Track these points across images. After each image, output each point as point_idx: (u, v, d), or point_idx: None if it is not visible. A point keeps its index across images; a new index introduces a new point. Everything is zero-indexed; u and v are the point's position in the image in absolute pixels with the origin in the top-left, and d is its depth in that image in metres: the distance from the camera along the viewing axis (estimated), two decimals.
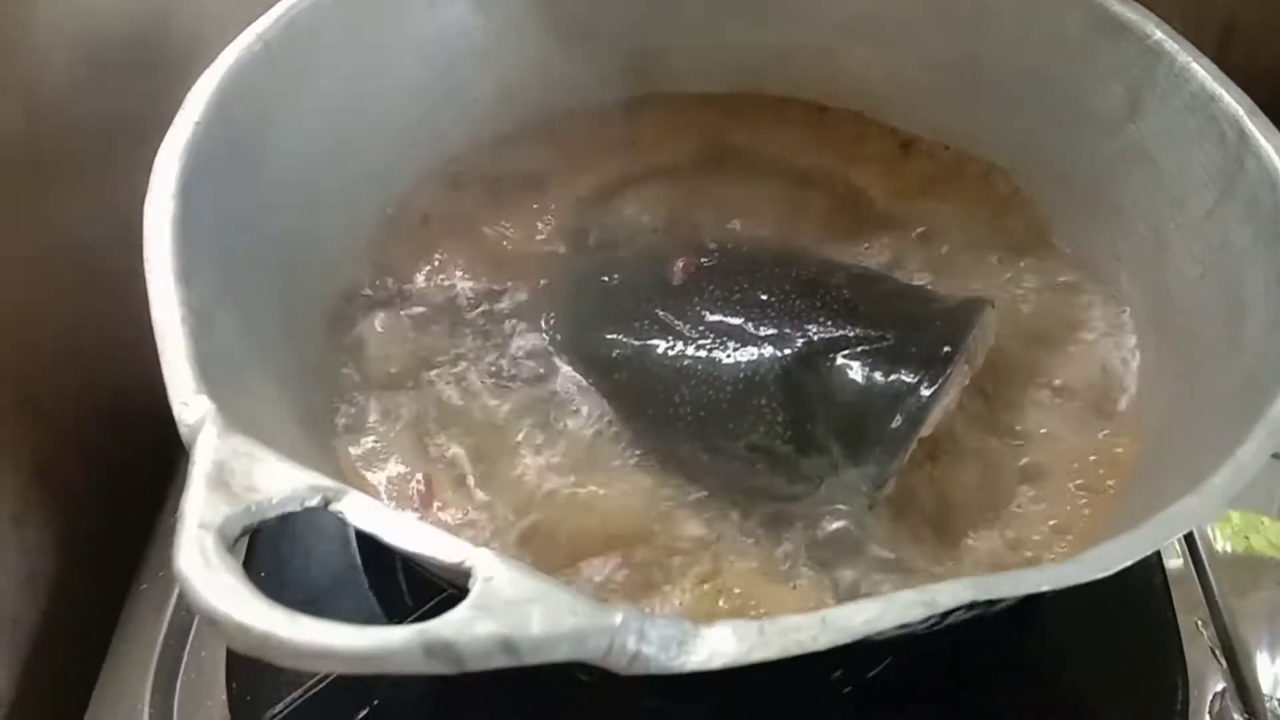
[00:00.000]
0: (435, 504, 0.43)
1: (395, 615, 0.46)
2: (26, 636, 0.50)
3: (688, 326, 0.44)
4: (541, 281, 0.51)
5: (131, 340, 0.51)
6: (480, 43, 0.53)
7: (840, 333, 0.43)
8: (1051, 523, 0.43)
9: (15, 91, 0.49)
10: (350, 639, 0.24)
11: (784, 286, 0.45)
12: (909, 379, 0.41)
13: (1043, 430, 0.46)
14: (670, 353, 0.44)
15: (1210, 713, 0.46)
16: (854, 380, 0.41)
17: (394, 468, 0.44)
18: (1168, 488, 0.35)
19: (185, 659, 0.48)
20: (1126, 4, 0.47)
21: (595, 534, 0.42)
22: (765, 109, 0.58)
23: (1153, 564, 0.49)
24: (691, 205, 0.53)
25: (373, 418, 0.46)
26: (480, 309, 0.50)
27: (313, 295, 0.47)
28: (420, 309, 0.49)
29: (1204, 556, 0.50)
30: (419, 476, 0.44)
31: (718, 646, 0.27)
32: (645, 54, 0.57)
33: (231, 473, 0.29)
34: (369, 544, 0.47)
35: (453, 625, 0.25)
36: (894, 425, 0.40)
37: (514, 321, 0.49)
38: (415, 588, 0.47)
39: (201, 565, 0.25)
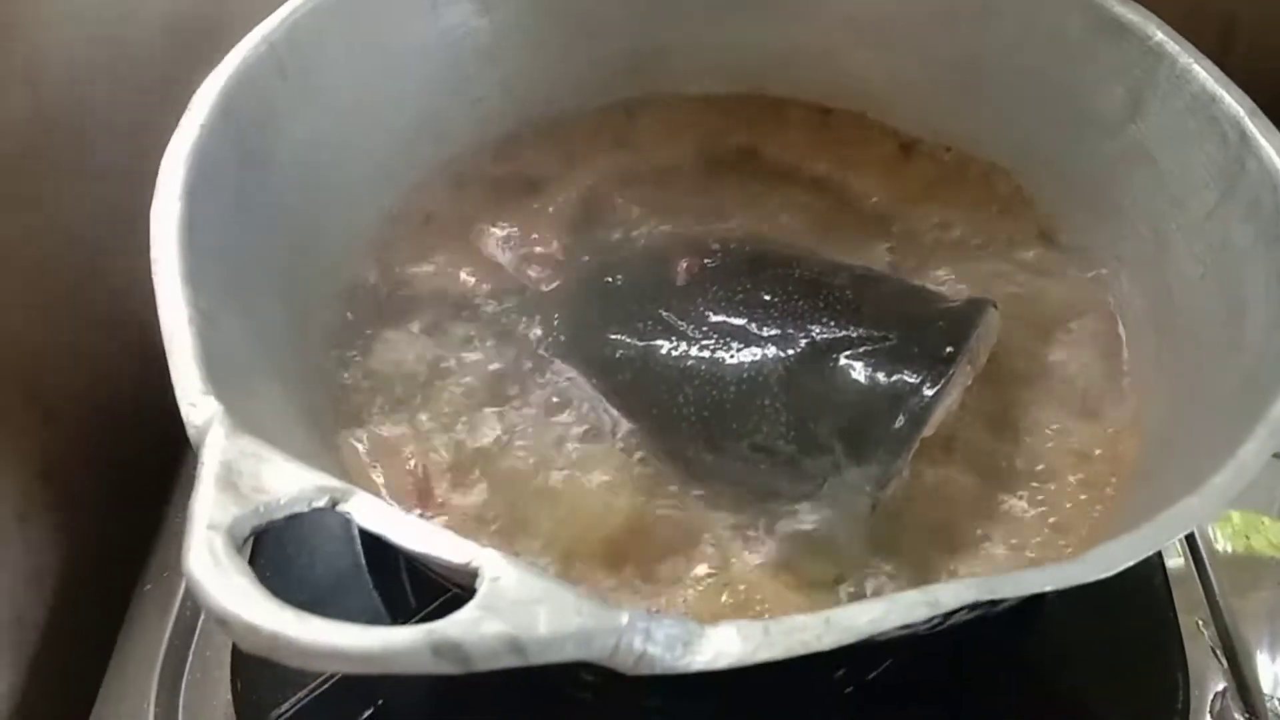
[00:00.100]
0: (436, 501, 0.44)
1: (399, 614, 0.47)
2: (32, 635, 0.50)
3: (691, 327, 0.44)
4: (544, 281, 0.51)
5: (137, 339, 0.51)
6: (484, 43, 0.53)
7: (843, 333, 0.43)
8: (1053, 522, 0.43)
9: (21, 91, 0.49)
10: (359, 639, 0.25)
11: (787, 287, 0.45)
12: (912, 379, 0.41)
13: (1044, 430, 0.46)
14: (674, 353, 0.44)
15: (1211, 712, 0.46)
16: (857, 380, 0.41)
17: (395, 465, 0.44)
18: (1169, 487, 0.35)
19: (190, 658, 0.48)
20: (1127, 5, 0.47)
21: (599, 532, 0.43)
22: (767, 110, 0.58)
23: (1153, 564, 0.49)
24: (694, 206, 0.53)
25: (375, 415, 0.46)
26: (482, 308, 0.50)
27: (317, 294, 0.47)
28: (423, 308, 0.49)
29: (1205, 556, 0.51)
30: (419, 473, 0.44)
31: (723, 646, 0.27)
32: (647, 54, 0.57)
33: (239, 473, 0.29)
34: (373, 543, 0.47)
35: (460, 625, 0.25)
36: (897, 425, 0.40)
37: (517, 321, 0.49)
38: (419, 587, 0.47)
39: (211, 566, 0.26)
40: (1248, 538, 0.51)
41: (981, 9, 0.51)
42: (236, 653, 0.47)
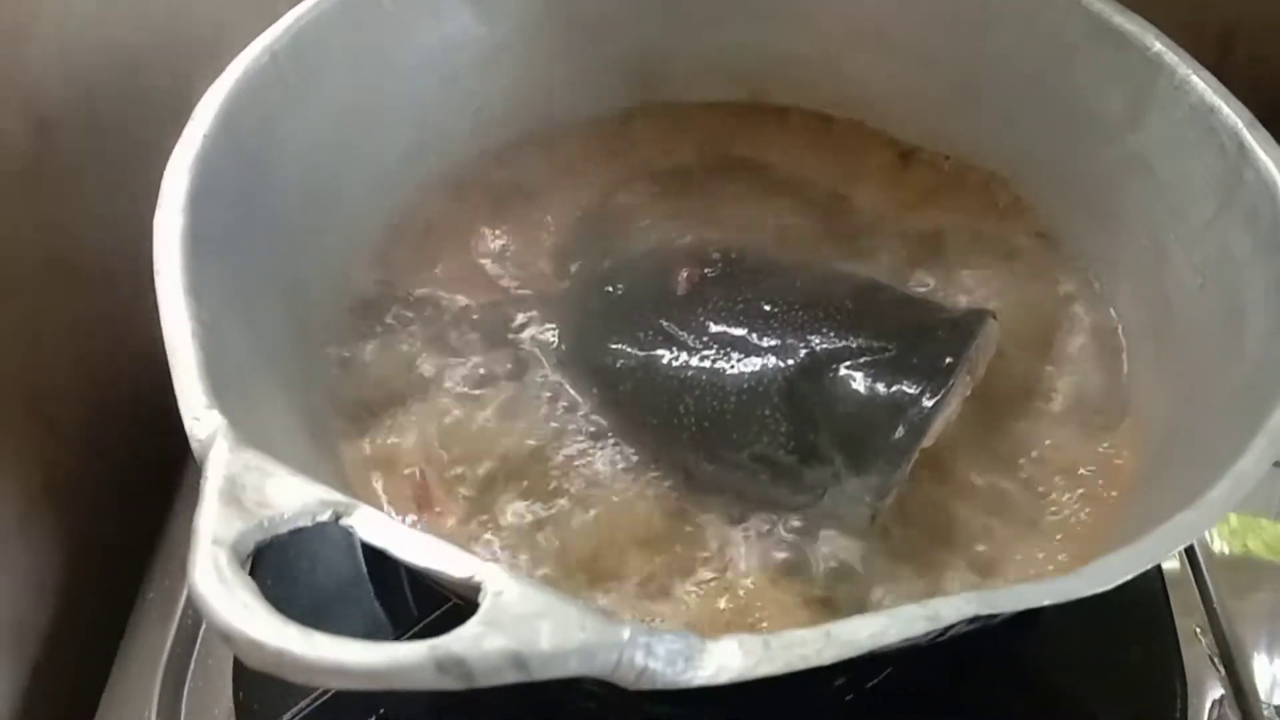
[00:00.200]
0: (436, 509, 0.44)
1: (401, 624, 0.47)
2: (34, 642, 0.51)
3: (691, 337, 0.45)
4: (544, 290, 0.51)
5: (139, 347, 0.51)
6: (485, 53, 0.53)
7: (843, 343, 0.43)
8: (1052, 532, 0.43)
9: (23, 101, 0.49)
10: (363, 655, 0.25)
11: (787, 297, 0.45)
12: (911, 390, 0.41)
13: (1044, 440, 0.46)
14: (674, 363, 0.44)
15: None
16: (856, 391, 0.42)
17: (396, 472, 0.45)
18: (1168, 497, 0.35)
19: (192, 666, 0.48)
20: (1127, 15, 0.47)
21: (599, 539, 0.43)
22: (767, 118, 0.58)
23: (1151, 572, 0.49)
24: (694, 214, 0.53)
25: (376, 423, 0.46)
26: (483, 317, 0.50)
27: (318, 303, 0.48)
28: (423, 317, 0.50)
29: (1202, 561, 0.51)
30: (420, 481, 0.44)
31: (724, 661, 0.27)
32: (648, 63, 0.57)
33: (243, 488, 0.29)
34: (375, 552, 0.47)
35: (464, 641, 0.25)
36: (896, 436, 0.40)
37: (517, 330, 0.49)
38: (421, 596, 0.48)
39: (216, 582, 0.26)
40: (1245, 540, 0.52)
41: (982, 18, 0.51)
42: (239, 661, 0.47)
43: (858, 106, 0.57)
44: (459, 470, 0.45)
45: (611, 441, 0.45)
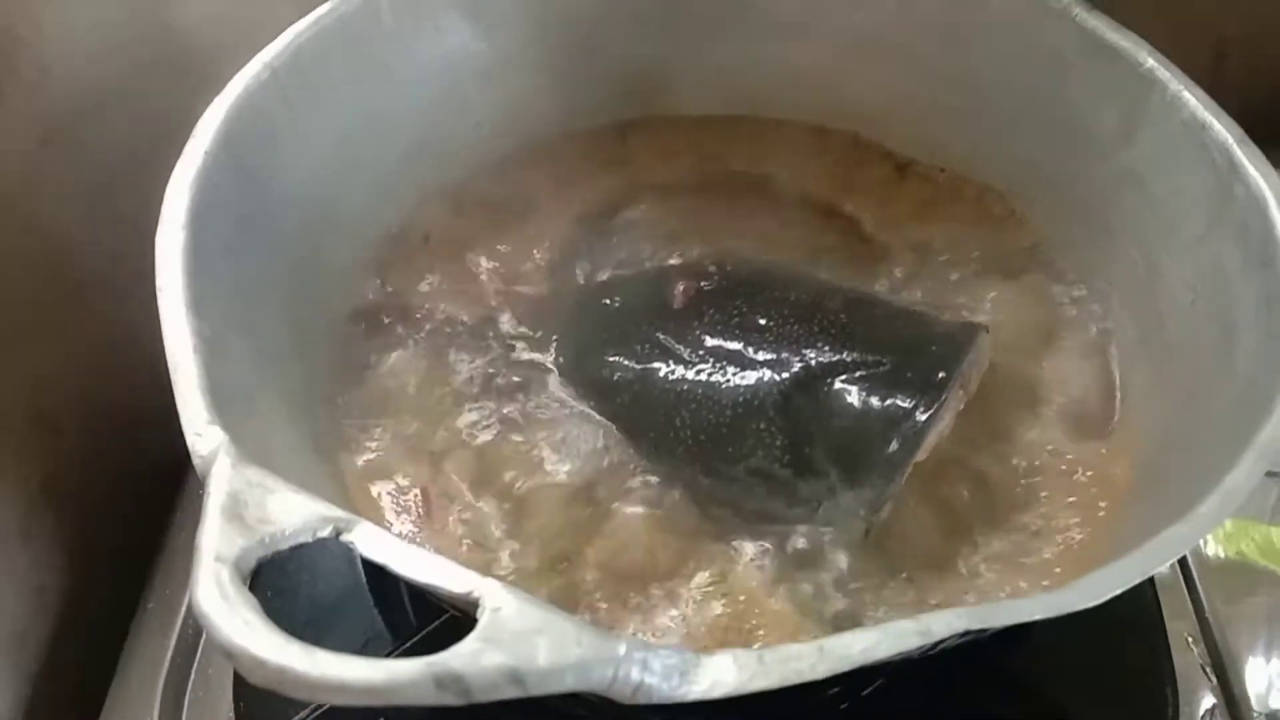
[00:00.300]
0: (436, 521, 0.44)
1: (401, 634, 0.47)
2: (36, 651, 0.51)
3: (688, 350, 0.45)
4: (542, 303, 0.51)
5: (140, 359, 0.51)
6: (484, 68, 0.53)
7: (837, 357, 0.43)
8: (1044, 545, 0.43)
9: (26, 116, 0.50)
10: (363, 672, 0.25)
11: (782, 311, 0.45)
12: (904, 404, 0.41)
13: (1036, 453, 0.46)
14: (670, 376, 0.45)
15: None
16: (850, 405, 0.42)
17: (397, 485, 0.45)
18: (1161, 510, 0.35)
19: (193, 677, 0.49)
20: (1120, 32, 0.47)
21: (597, 550, 0.43)
22: (764, 131, 0.58)
23: (1143, 582, 0.49)
24: (690, 227, 0.54)
25: (377, 436, 0.46)
26: (481, 329, 0.50)
27: (319, 316, 0.48)
28: (423, 329, 0.50)
29: (1193, 566, 0.51)
30: (420, 493, 0.45)
31: (719, 676, 0.27)
32: (645, 77, 0.58)
33: (245, 504, 0.29)
34: (374, 565, 0.48)
35: (462, 657, 0.26)
36: (890, 450, 0.41)
37: (515, 342, 0.50)
38: (421, 607, 0.48)
39: (219, 599, 0.26)
40: (1239, 545, 0.52)
41: (977, 33, 0.52)
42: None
43: (854, 120, 0.58)
44: (460, 483, 0.45)
45: (609, 453, 0.45)
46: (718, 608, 0.42)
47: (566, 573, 0.43)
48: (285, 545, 0.29)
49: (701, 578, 0.43)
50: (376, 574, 0.49)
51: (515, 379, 0.48)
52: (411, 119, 0.52)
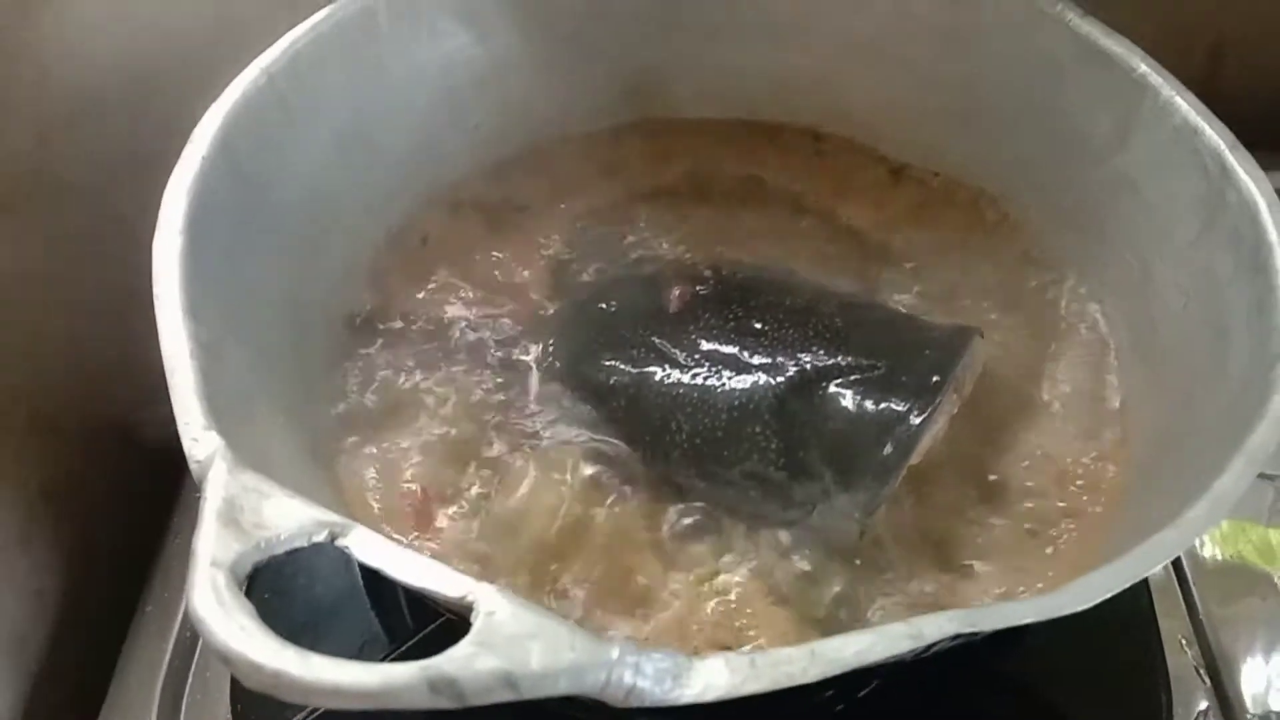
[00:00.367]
0: (433, 525, 0.44)
1: (397, 637, 0.47)
2: (34, 655, 0.51)
3: (683, 354, 0.45)
4: (538, 306, 0.51)
5: (138, 363, 0.52)
6: (480, 71, 0.54)
7: (832, 361, 0.43)
8: (1038, 547, 0.44)
9: (24, 117, 0.50)
10: (358, 677, 0.25)
11: (777, 315, 0.46)
12: (899, 408, 0.41)
13: (1030, 456, 0.46)
14: (666, 380, 0.45)
15: None
16: (845, 408, 0.42)
17: (393, 489, 0.45)
18: (1154, 513, 0.35)
19: (191, 679, 0.49)
20: (1114, 37, 0.47)
21: (592, 551, 0.43)
22: (759, 135, 0.58)
23: (1137, 583, 0.49)
24: (686, 231, 0.54)
25: (373, 440, 0.46)
26: (478, 333, 0.50)
27: (315, 320, 0.48)
28: (420, 333, 0.50)
29: (1187, 568, 0.51)
30: (416, 497, 0.45)
31: (711, 679, 0.28)
32: (641, 80, 0.58)
33: (241, 509, 0.30)
34: (370, 570, 0.48)
35: (456, 662, 0.26)
36: (884, 453, 0.41)
37: (511, 346, 0.50)
38: (416, 610, 0.48)
39: (215, 604, 0.26)
40: (1237, 546, 0.52)
41: (972, 38, 0.52)
42: None
43: (849, 124, 0.58)
44: (456, 487, 0.45)
45: (604, 457, 0.46)
46: (711, 610, 0.42)
47: (560, 576, 0.43)
48: (281, 550, 0.29)
49: (695, 580, 0.43)
50: (372, 578, 0.49)
51: (511, 383, 0.48)
52: (408, 123, 0.52)
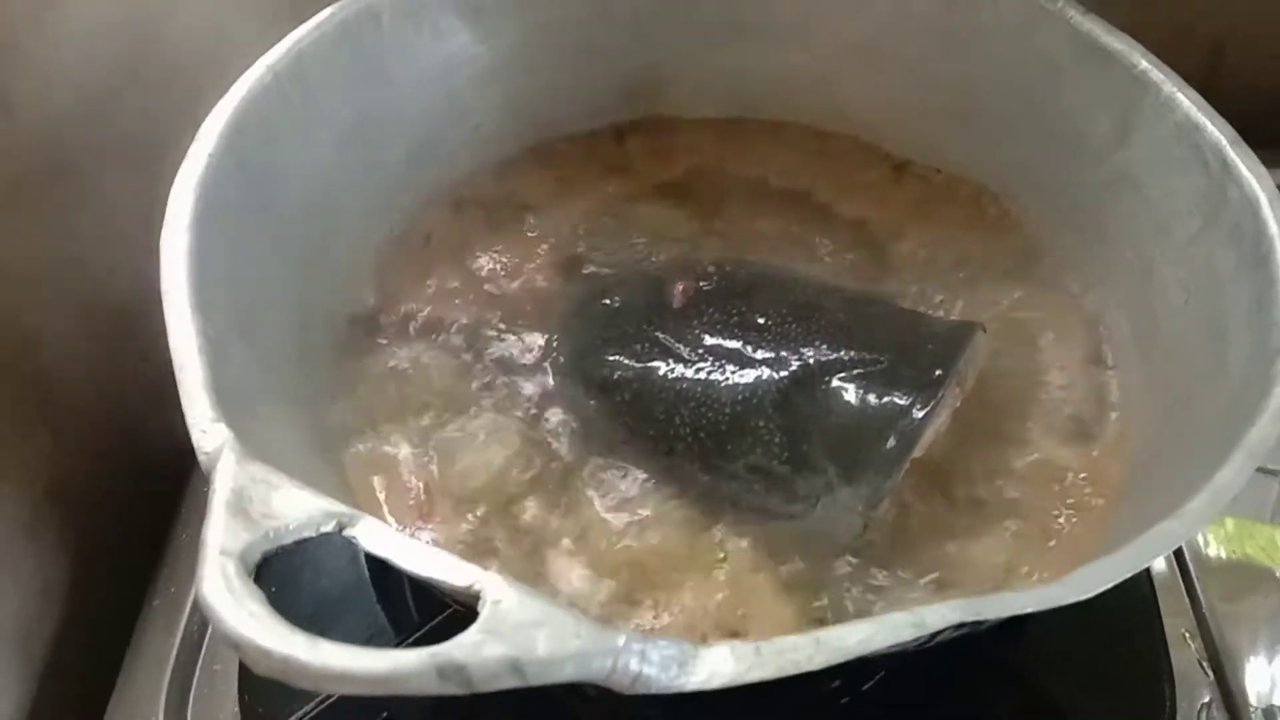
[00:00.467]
0: (438, 518, 0.44)
1: (403, 630, 0.47)
2: (41, 650, 0.51)
3: (687, 349, 0.45)
4: (542, 304, 0.52)
5: (144, 358, 0.52)
6: (483, 71, 0.54)
7: (835, 356, 0.44)
8: (1039, 540, 0.44)
9: (32, 116, 0.50)
10: (368, 662, 0.25)
11: (780, 310, 0.46)
12: (902, 401, 0.42)
13: (1032, 450, 0.46)
14: (670, 375, 0.45)
15: None
16: (848, 402, 0.42)
17: (398, 483, 0.45)
18: (1154, 507, 0.35)
19: (198, 672, 0.49)
20: (1114, 34, 0.48)
21: (595, 544, 0.44)
22: (761, 133, 0.59)
23: (1140, 575, 0.49)
24: (689, 228, 0.54)
25: (378, 435, 0.47)
26: (481, 330, 0.50)
27: (321, 317, 0.48)
28: (423, 331, 0.50)
29: (1191, 566, 0.51)
30: (421, 492, 0.45)
31: (716, 667, 0.28)
32: (643, 79, 0.58)
33: (250, 500, 0.30)
34: (377, 561, 0.48)
35: (464, 648, 0.26)
36: (887, 447, 0.41)
37: (515, 343, 0.50)
38: (422, 603, 0.48)
39: (225, 592, 0.27)
40: (1243, 545, 0.52)
41: (973, 36, 0.52)
42: (244, 666, 0.47)
43: (851, 122, 0.58)
44: (459, 482, 0.45)
45: (609, 452, 0.46)
46: (715, 601, 0.42)
47: (566, 567, 0.43)
48: (289, 540, 0.30)
49: (699, 572, 0.43)
50: (379, 570, 0.49)
51: (515, 379, 0.49)
52: (411, 122, 0.52)
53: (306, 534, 0.30)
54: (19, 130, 0.50)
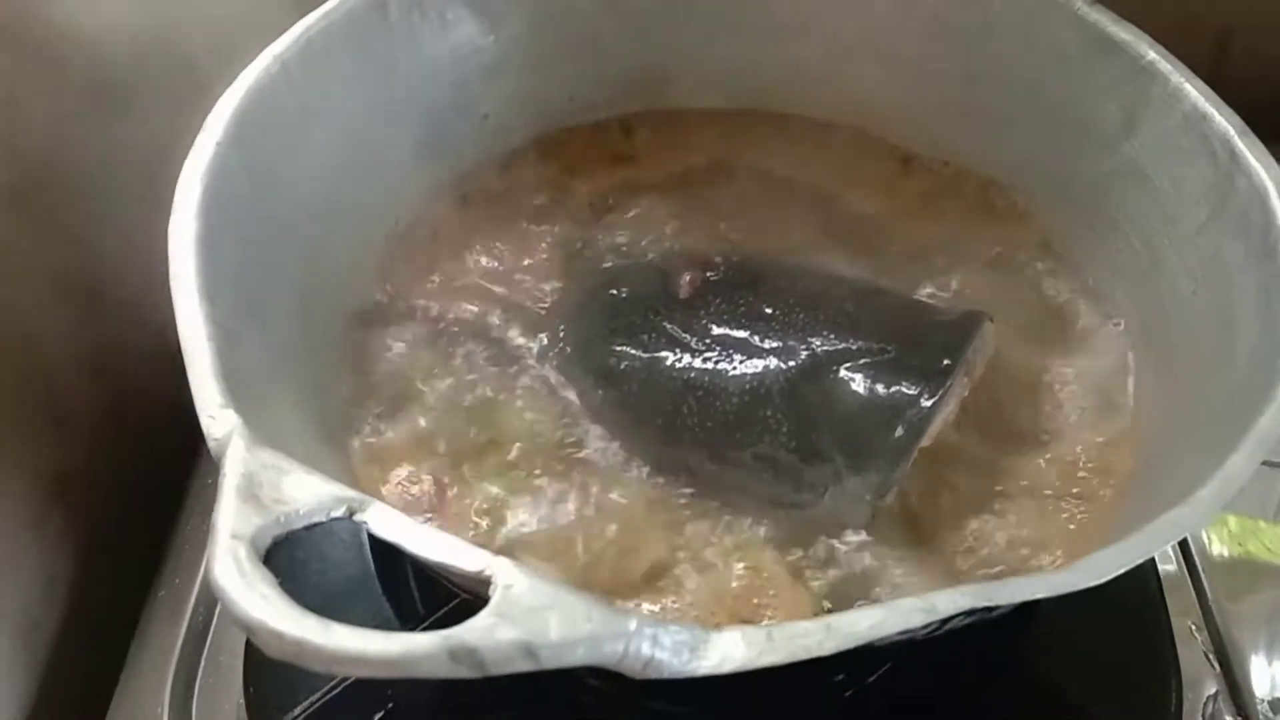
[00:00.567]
0: (447, 509, 0.44)
1: (408, 621, 0.47)
2: (46, 641, 0.51)
3: (694, 339, 0.45)
4: (548, 294, 0.52)
5: (151, 349, 0.52)
6: (490, 62, 0.54)
7: (843, 345, 0.44)
8: (1048, 529, 0.44)
9: (38, 108, 0.50)
10: (381, 645, 0.25)
11: (787, 300, 0.46)
12: (910, 391, 0.42)
13: (1039, 439, 0.47)
14: (677, 365, 0.45)
15: (1203, 716, 0.47)
16: (856, 392, 0.42)
17: (406, 475, 0.45)
18: (1162, 497, 0.36)
19: (203, 663, 0.49)
20: (1121, 25, 0.48)
21: (606, 535, 0.43)
22: (768, 125, 0.58)
23: (1146, 569, 0.49)
24: (696, 219, 0.54)
25: (386, 425, 0.46)
26: (488, 320, 0.50)
27: (328, 307, 0.48)
28: (429, 321, 0.50)
29: (1198, 561, 0.51)
30: (429, 482, 0.45)
31: (728, 651, 0.28)
32: (650, 71, 0.58)
33: (260, 485, 0.30)
34: (382, 551, 0.48)
35: (476, 632, 0.26)
36: (895, 436, 0.41)
37: (522, 333, 0.50)
38: (427, 594, 0.48)
39: (236, 575, 0.27)
40: (1244, 542, 0.52)
41: (980, 28, 0.52)
42: (249, 657, 0.47)
43: (858, 114, 0.58)
44: (468, 473, 0.45)
45: (616, 443, 0.46)
46: (725, 589, 0.42)
47: (576, 554, 0.43)
48: (300, 524, 0.30)
49: (708, 561, 0.43)
50: (385, 561, 0.49)
51: (522, 370, 0.49)
52: (418, 112, 0.52)
53: (317, 519, 0.30)
54: (28, 122, 0.50)
